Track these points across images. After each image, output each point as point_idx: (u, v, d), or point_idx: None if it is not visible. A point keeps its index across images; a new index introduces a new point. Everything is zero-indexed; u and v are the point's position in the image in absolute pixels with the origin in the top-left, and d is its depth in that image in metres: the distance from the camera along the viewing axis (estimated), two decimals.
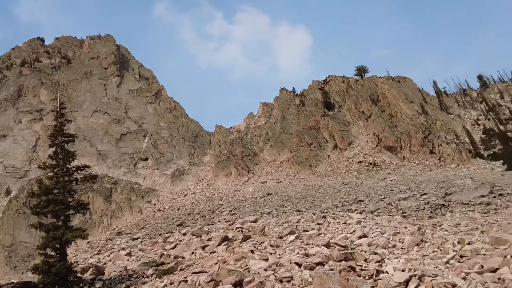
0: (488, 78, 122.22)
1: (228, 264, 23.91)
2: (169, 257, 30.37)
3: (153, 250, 35.72)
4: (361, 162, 71.80)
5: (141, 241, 44.75)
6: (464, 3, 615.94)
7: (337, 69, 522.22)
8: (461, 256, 20.15)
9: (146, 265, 29.59)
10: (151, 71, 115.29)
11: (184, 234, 41.11)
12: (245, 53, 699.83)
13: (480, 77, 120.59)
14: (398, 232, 27.06)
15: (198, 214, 57.24)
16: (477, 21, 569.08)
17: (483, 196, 38.82)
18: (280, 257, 24.24)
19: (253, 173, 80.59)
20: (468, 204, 36.72)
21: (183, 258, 29.86)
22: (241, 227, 36.86)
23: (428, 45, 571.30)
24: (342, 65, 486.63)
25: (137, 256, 34.26)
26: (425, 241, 23.85)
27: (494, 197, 38.41)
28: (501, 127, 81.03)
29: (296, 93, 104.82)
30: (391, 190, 49.07)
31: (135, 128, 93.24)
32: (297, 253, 24.15)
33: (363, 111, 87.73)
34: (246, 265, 22.95)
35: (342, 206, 44.12)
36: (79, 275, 26.52)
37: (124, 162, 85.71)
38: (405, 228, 28.23)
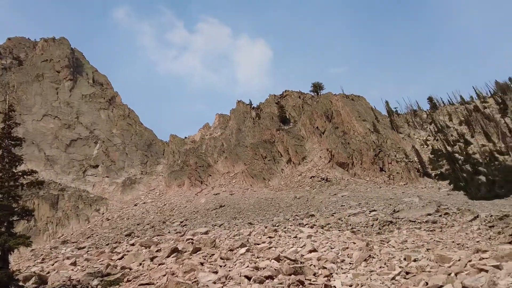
0: (438, 100, 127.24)
1: (176, 276, 23.52)
2: (116, 267, 29.59)
3: (99, 260, 34.71)
4: (313, 177, 72.72)
5: (87, 251, 43.43)
6: (421, 27, 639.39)
7: (294, 84, 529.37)
8: (407, 273, 20.65)
9: (91, 275, 28.67)
10: (106, 77, 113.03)
11: (133, 244, 40.21)
12: (204, 63, 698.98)
13: (430, 99, 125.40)
14: (347, 247, 27.47)
15: (148, 224, 56.20)
16: (433, 44, 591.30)
17: (429, 214, 40.04)
18: (230, 270, 24.08)
19: (206, 185, 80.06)
20: (415, 221, 37.78)
21: (130, 269, 29.15)
22: (192, 239, 36.45)
23: (384, 66, 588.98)
24: (299, 80, 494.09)
25: (82, 266, 33.19)
26: (373, 257, 24.31)
27: (440, 215, 39.69)
28: (449, 148, 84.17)
29: (252, 106, 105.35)
30: (341, 206, 49.85)
31: (86, 134, 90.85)
32: (247, 266, 24.08)
33: (317, 127, 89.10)
34: (195, 278, 22.66)
35: (293, 220, 44.44)
36: (21, 283, 25.46)
37: (73, 169, 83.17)
38: (354, 243, 28.69)
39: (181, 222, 54.03)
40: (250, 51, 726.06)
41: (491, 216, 36.82)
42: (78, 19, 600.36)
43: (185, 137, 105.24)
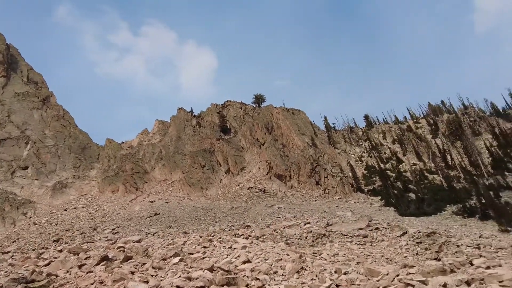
0: (373, 119, 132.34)
1: (105, 285, 22.76)
2: (41, 274, 28.18)
3: (24, 266, 32.91)
4: (251, 188, 73.05)
5: (12, 256, 41.09)
6: (366, 46, 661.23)
7: (237, 95, 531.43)
8: (337, 285, 21.08)
9: (15, 281, 27.13)
10: (41, 75, 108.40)
11: (60, 251, 38.50)
12: (148, 67, 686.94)
13: (366, 117, 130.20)
14: (281, 259, 27.68)
15: (77, 230, 54.12)
16: (375, 64, 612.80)
17: (361, 228, 41.19)
18: (161, 280, 23.59)
19: (141, 191, 78.34)
20: (347, 235, 38.72)
21: (57, 276, 27.87)
22: (123, 247, 35.41)
23: (327, 82, 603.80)
24: (242, 91, 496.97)
25: (6, 271, 31.35)
26: (305, 269, 24.63)
27: (371, 230, 40.93)
28: (382, 165, 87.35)
29: (193, 114, 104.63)
30: (277, 217, 50.32)
31: (17, 134, 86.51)
32: (180, 276, 23.67)
33: (257, 139, 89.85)
34: (124, 287, 22.02)
35: (229, 230, 44.29)
36: None
37: (0, 169, 78.83)
38: (288, 255, 28.97)
39: (113, 229, 52.46)
40: (195, 58, 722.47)
41: (419, 232, 38.38)
42: (17, 15, 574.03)
43: (122, 142, 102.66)
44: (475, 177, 74.78)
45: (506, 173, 79.04)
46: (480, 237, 41.71)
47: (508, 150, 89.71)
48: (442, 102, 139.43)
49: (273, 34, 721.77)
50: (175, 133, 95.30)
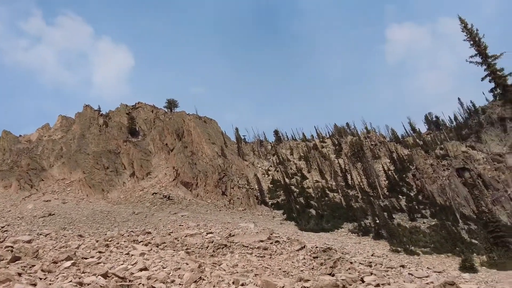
0: (282, 134, 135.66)
1: None
2: None
3: None
4: (156, 193, 71.60)
5: None
6: (286, 63, 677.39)
7: (150, 97, 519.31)
8: None
9: None
10: None
11: None
12: (59, 59, 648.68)
13: (276, 132, 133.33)
14: (179, 268, 27.34)
15: None
16: (292, 81, 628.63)
17: (262, 241, 41.85)
18: (50, 284, 22.29)
19: (37, 189, 73.74)
20: (248, 247, 39.15)
21: None
22: (12, 246, 33.00)
23: (243, 94, 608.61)
24: (156, 94, 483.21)
25: None
26: (203, 279, 24.52)
27: (271, 243, 41.73)
28: (287, 180, 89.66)
29: (101, 112, 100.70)
30: (180, 225, 49.73)
31: None
32: (70, 281, 22.52)
33: (166, 144, 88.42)
34: None
35: (128, 236, 42.98)
36: None
37: None
38: (187, 264, 28.68)
39: (2, 227, 48.76)
40: (110, 56, 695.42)
41: (316, 247, 39.75)
42: None
43: (20, 135, 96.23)
44: (371, 198, 79.18)
45: (400, 196, 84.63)
46: (372, 255, 44.13)
47: (404, 175, 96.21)
48: (347, 124, 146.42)
49: (194, 40, 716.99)
50: (79, 131, 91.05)
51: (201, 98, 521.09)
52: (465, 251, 49.65)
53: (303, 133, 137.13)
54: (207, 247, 38.37)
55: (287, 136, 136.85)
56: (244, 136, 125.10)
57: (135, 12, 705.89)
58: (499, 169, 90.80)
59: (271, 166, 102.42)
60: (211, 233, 45.14)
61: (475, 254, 51.75)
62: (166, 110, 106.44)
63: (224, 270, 28.20)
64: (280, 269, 30.22)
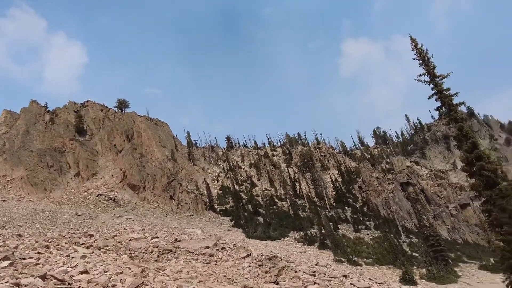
0: (234, 141, 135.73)
1: None
2: None
3: None
4: (101, 195, 69.76)
5: None
6: (243, 70, 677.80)
7: (101, 96, 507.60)
8: None
9: None
10: None
11: None
12: (8, 52, 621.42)
13: (228, 138, 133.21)
14: (121, 272, 26.65)
15: None
16: (246, 88, 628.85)
17: (208, 247, 41.52)
18: None
19: None
20: (193, 253, 38.73)
21: None
22: None
23: (199, 97, 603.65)
24: (109, 93, 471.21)
25: None
26: (146, 284, 24.01)
27: (218, 249, 41.47)
28: (236, 187, 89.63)
29: (48, 109, 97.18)
30: (124, 229, 48.64)
31: None
32: (7, 282, 21.44)
33: (115, 145, 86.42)
34: None
35: (70, 237, 41.56)
36: None
37: None
38: (129, 269, 28.00)
39: None
40: (63, 51, 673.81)
41: (262, 255, 39.83)
42: None
43: None
44: (319, 208, 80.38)
45: (346, 207, 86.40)
46: (316, 264, 44.70)
47: (350, 187, 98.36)
48: (298, 134, 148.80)
49: (152, 41, 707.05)
50: (24, 127, 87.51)
51: (155, 100, 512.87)
52: (405, 264, 51.10)
53: (255, 141, 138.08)
54: (151, 252, 37.65)
55: (239, 143, 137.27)
56: (195, 140, 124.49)
57: (93, 9, 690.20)
58: (441, 185, 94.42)
59: (222, 172, 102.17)
60: (156, 237, 44.35)
61: (415, 267, 53.43)
62: (116, 110, 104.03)
63: (168, 275, 27.74)
64: (225, 276, 30.06)
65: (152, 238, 43.85)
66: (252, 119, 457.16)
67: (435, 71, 28.66)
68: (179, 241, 43.68)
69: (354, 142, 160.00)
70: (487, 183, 24.83)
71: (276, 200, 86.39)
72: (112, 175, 77.67)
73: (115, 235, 44.54)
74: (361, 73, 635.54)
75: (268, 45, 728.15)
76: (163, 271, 29.32)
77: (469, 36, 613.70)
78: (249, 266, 35.54)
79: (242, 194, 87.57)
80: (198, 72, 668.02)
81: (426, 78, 28.82)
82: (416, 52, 29.50)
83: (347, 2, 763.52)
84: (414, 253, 61.74)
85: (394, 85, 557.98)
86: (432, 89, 28.40)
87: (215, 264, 35.26)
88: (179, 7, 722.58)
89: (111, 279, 24.93)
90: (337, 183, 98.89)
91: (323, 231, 62.73)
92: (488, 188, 24.75)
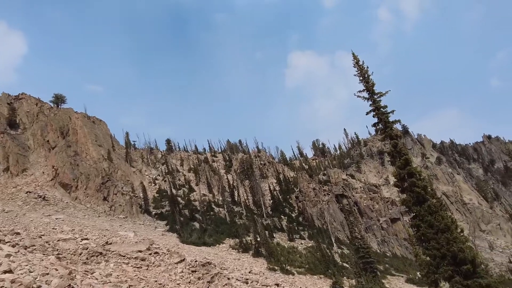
0: (175, 144, 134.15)
1: None
2: None
3: None
4: (30, 192, 66.74)
5: None
6: (191, 74, 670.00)
7: (39, 90, 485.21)
8: None
9: None
10: None
11: None
12: None
13: (168, 141, 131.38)
14: (48, 273, 25.61)
15: None
16: (192, 91, 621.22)
17: (140, 251, 40.72)
18: None
19: None
20: (124, 256, 37.86)
21: None
22: None
23: (142, 98, 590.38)
24: (47, 87, 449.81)
25: None
26: (73, 287, 23.22)
27: (150, 254, 40.75)
28: (174, 191, 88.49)
29: None
30: (53, 229, 46.80)
31: None
32: None
33: (48, 141, 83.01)
34: None
35: None
36: None
37: None
38: (56, 270, 26.96)
39: None
40: (1, 40, 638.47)
41: (196, 261, 39.55)
42: None
43: None
44: (255, 216, 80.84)
45: (282, 216, 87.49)
46: (250, 272, 44.92)
47: (288, 196, 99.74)
48: (240, 141, 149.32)
49: (98, 37, 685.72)
50: None
51: (96, 97, 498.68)
52: (336, 274, 52.37)
53: (195, 145, 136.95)
54: (80, 254, 36.44)
55: (179, 147, 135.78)
56: (134, 141, 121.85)
57: (41, 0, 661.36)
58: (374, 199, 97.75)
59: (159, 175, 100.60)
60: (86, 239, 42.99)
61: (345, 277, 54.89)
62: (52, 105, 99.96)
63: (97, 279, 26.97)
64: (156, 281, 29.58)
65: (82, 239, 42.50)
66: (194, 124, 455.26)
67: (374, 88, 29.66)
68: (111, 243, 42.58)
69: (293, 153, 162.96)
70: (417, 199, 25.88)
71: (213, 206, 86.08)
72: (43, 172, 74.56)
73: (43, 235, 42.79)
74: (306, 85, 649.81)
75: (216, 51, 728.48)
76: (91, 274, 28.47)
77: (408, 58, 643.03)
78: (182, 272, 35.21)
79: (179, 199, 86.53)
80: (143, 72, 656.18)
81: (365, 94, 29.75)
82: (357, 68, 30.42)
83: (296, 15, 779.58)
84: (345, 264, 63.40)
85: (337, 99, 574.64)
86: (370, 106, 29.33)
87: (147, 269, 34.65)
88: (129, 7, 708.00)
89: (37, 280, 23.91)
90: (275, 192, 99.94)
91: (259, 239, 63.12)
92: (417, 204, 25.80)
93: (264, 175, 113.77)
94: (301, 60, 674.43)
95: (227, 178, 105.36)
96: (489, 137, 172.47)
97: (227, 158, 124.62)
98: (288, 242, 71.55)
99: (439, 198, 39.45)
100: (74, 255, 36.01)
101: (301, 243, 72.00)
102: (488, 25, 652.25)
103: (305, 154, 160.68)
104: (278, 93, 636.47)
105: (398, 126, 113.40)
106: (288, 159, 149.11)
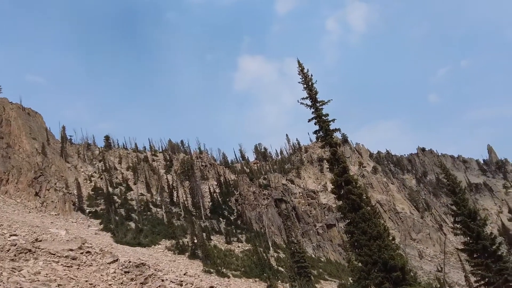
0: (114, 141, 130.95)
1: None
2: None
3: None
4: None
5: None
6: (139, 70, 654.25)
7: None
8: None
9: None
10: None
11: None
12: None
13: (107, 138, 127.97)
14: None
15: None
16: (138, 89, 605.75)
17: (71, 250, 39.62)
18: None
19: None
20: (55, 254, 36.72)
21: None
22: None
23: (86, 91, 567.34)
24: None
25: None
26: None
27: (82, 253, 39.74)
28: (110, 189, 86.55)
29: None
30: None
31: None
32: None
33: None
34: None
35: None
36: None
37: None
38: None
39: None
40: None
41: (130, 262, 38.97)
42: None
43: None
44: (194, 218, 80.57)
45: (221, 219, 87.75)
46: (185, 274, 44.76)
47: (227, 199, 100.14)
48: (181, 142, 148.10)
49: (44, 29, 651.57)
50: None
51: (37, 89, 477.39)
52: (271, 277, 53.06)
53: (135, 143, 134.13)
54: (8, 250, 34.98)
55: (118, 144, 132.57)
56: (70, 136, 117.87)
57: None
58: (311, 204, 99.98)
59: (96, 172, 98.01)
60: (15, 235, 41.28)
61: (279, 281, 55.75)
62: None
63: (24, 276, 26.09)
64: (87, 281, 28.97)
65: (11, 235, 40.81)
66: (137, 122, 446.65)
67: (317, 96, 30.46)
68: (40, 241, 41.19)
69: (235, 155, 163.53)
70: (352, 206, 26.83)
71: (151, 206, 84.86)
72: None
73: None
74: (254, 90, 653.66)
75: (166, 50, 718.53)
76: (19, 271, 27.51)
77: (354, 70, 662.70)
78: (114, 273, 34.65)
79: (115, 197, 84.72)
80: (89, 67, 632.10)
81: (308, 102, 30.47)
82: (302, 76, 31.13)
83: (249, 20, 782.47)
84: (280, 268, 64.33)
85: (282, 105, 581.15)
86: (312, 113, 30.10)
87: (78, 268, 33.82)
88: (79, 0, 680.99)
89: None
90: (214, 194, 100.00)
91: (196, 240, 62.94)
92: (352, 211, 26.74)
93: (205, 176, 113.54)
94: (251, 65, 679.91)
95: (166, 178, 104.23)
96: (423, 149, 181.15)
97: (168, 158, 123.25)
98: (226, 244, 71.74)
99: (374, 206, 40.99)
100: (1, 251, 34.56)
101: (238, 246, 72.40)
102: (432, 42, 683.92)
103: (247, 158, 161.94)
104: (226, 96, 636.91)
105: (338, 135, 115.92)
106: (230, 161, 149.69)
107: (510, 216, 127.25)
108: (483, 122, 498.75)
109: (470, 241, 32.98)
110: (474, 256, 33.22)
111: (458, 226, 34.00)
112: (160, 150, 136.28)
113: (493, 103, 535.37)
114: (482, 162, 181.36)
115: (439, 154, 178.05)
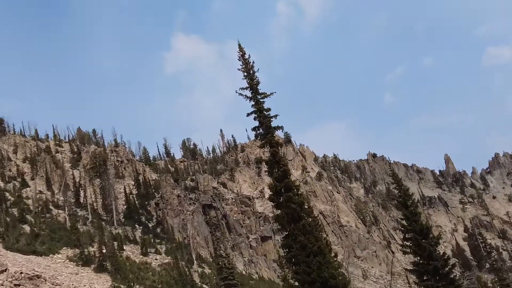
0: (10, 126, 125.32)
1: None
2: None
3: None
4: None
5: None
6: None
7: None
8: None
9: None
10: None
11: None
12: None
13: (1, 121, 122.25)
14: None
15: None
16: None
17: None
18: None
19: None
20: None
21: None
22: None
23: None
24: None
25: None
26: None
27: None
28: (2, 184, 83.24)
29: None
30: None
31: None
32: None
33: None
34: None
35: None
36: None
37: None
38: None
39: None
40: None
41: (21, 273, 37.73)
42: None
43: None
44: (103, 223, 79.01)
45: (137, 225, 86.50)
46: None
47: (146, 202, 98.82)
48: (94, 131, 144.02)
49: None
50: None
51: None
52: None
53: (36, 130, 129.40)
54: None
55: (14, 129, 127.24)
56: None
57: None
58: (245, 212, 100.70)
59: None
60: None
61: None
62: None
63: None
64: None
65: None
66: (39, 103, 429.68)
67: (258, 87, 30.20)
68: None
69: (159, 151, 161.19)
70: (292, 216, 26.85)
71: (51, 207, 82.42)
72: None
73: None
74: (188, 74, 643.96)
75: (89, 21, 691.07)
76: None
77: (303, 61, 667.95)
78: (2, 285, 33.40)
79: (7, 194, 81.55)
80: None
81: (248, 93, 30.17)
82: (242, 62, 30.76)
83: None
84: (204, 285, 64.36)
85: (220, 94, 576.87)
86: (252, 106, 29.77)
87: None
88: None
89: None
90: (131, 196, 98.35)
91: (104, 250, 61.65)
92: (292, 222, 26.77)
93: (120, 174, 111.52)
94: (185, 45, 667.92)
95: (72, 174, 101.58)
96: (374, 155, 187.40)
97: (76, 150, 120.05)
98: (141, 256, 70.77)
99: (316, 217, 41.76)
100: None
101: (156, 259, 71.63)
102: (389, 37, 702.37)
103: (172, 155, 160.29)
104: (153, 80, 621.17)
105: (280, 133, 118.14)
106: (152, 158, 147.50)
107: (465, 235, 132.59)
108: (441, 130, 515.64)
109: (420, 261, 34.01)
110: (424, 278, 34.26)
111: (407, 243, 34.96)
112: (67, 140, 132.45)
113: (454, 109, 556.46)
114: (438, 173, 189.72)
115: (391, 162, 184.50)
